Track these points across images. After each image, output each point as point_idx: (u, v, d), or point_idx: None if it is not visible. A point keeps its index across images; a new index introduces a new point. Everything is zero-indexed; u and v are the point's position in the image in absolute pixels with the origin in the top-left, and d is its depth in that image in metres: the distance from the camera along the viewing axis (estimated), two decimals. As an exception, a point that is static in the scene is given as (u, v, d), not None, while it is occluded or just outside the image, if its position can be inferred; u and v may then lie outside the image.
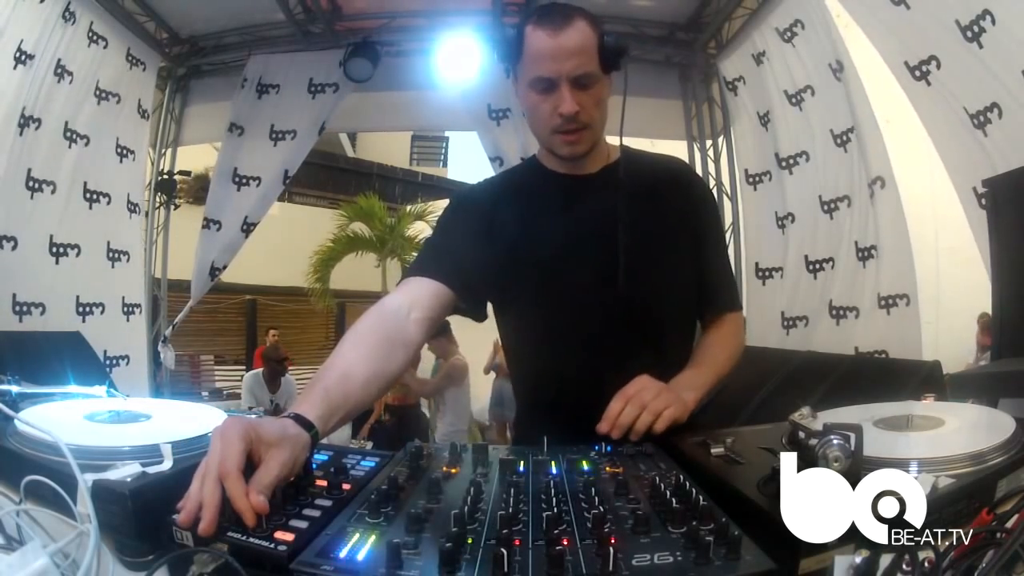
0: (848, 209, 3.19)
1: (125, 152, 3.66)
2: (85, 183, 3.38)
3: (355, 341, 0.90)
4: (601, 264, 1.09)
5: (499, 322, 1.22)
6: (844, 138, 3.14)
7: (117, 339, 3.44)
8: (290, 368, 5.69)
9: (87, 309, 3.34)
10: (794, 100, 3.45)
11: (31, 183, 3.02)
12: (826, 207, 3.34)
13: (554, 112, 1.04)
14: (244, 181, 4.16)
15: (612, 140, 1.18)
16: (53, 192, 3.15)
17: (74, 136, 3.27)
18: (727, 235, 3.86)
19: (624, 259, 1.06)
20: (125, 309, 3.67)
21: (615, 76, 1.08)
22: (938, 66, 2.35)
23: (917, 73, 2.42)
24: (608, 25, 1.11)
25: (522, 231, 1.12)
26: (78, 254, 3.27)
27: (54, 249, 3.18)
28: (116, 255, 3.59)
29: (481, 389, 6.04)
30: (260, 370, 5.38)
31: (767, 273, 3.87)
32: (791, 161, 3.59)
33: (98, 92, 3.46)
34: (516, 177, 1.24)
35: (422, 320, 1.00)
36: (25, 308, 3.00)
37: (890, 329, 2.90)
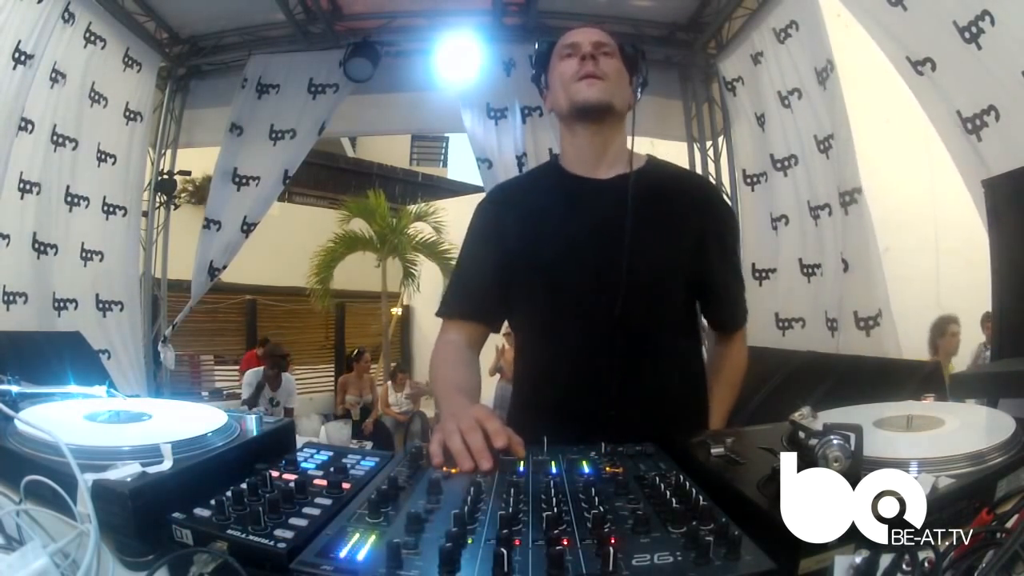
0: (829, 218, 3.17)
1: (104, 156, 3.65)
2: (68, 187, 3.42)
3: (455, 364, 1.19)
4: (598, 269, 1.10)
5: (509, 322, 1.25)
6: (826, 144, 3.12)
7: (92, 335, 3.47)
8: (290, 368, 5.70)
9: (62, 304, 3.42)
10: (786, 102, 3.44)
11: (22, 185, 3.06)
12: (813, 212, 3.33)
13: (578, 67, 1.13)
14: (244, 181, 4.15)
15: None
16: (38, 194, 3.18)
17: (62, 140, 3.29)
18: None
19: (621, 265, 1.06)
20: (100, 306, 3.74)
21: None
22: (933, 68, 2.33)
23: (918, 70, 2.40)
24: (608, 25, 1.22)
25: (525, 234, 1.14)
26: (56, 253, 3.35)
27: (36, 246, 3.24)
28: (89, 255, 3.64)
29: (483, 392, 6.03)
30: (261, 368, 5.40)
31: (763, 274, 3.86)
32: (785, 163, 3.57)
33: (93, 94, 3.46)
34: (532, 177, 1.33)
35: (475, 350, 1.24)
36: (11, 298, 3.07)
37: (873, 347, 2.86)
